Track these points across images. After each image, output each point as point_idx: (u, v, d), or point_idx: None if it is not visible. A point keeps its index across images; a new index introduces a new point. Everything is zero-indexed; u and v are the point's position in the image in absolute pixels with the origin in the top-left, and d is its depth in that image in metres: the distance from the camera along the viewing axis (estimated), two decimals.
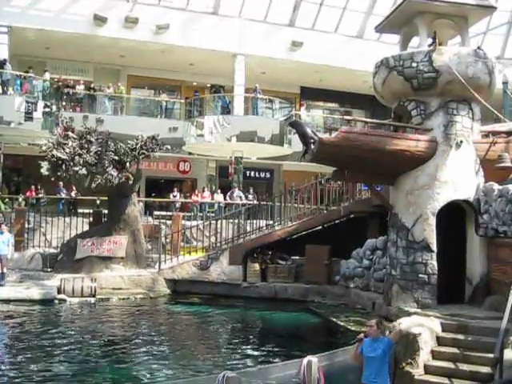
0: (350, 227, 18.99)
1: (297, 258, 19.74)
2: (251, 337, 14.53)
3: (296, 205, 21.03)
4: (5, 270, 17.94)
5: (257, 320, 16.59)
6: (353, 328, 13.85)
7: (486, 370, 9.65)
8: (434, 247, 13.47)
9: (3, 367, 10.91)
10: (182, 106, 31.20)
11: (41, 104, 24.85)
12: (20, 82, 25.33)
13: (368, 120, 21.35)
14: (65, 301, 17.15)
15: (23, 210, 22.40)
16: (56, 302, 17.08)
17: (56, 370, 10.70)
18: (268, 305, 17.65)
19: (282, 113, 30.38)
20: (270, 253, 19.85)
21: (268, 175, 33.92)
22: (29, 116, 24.07)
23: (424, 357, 9.94)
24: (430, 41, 14.52)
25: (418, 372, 9.67)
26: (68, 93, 28.45)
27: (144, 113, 30.47)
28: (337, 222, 19.92)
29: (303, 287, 18.69)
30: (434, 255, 13.45)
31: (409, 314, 12.25)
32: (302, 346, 12.68)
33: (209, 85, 31.66)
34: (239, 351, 12.66)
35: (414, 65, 13.79)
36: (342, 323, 14.62)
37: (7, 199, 23.80)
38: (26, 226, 21.75)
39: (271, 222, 20.92)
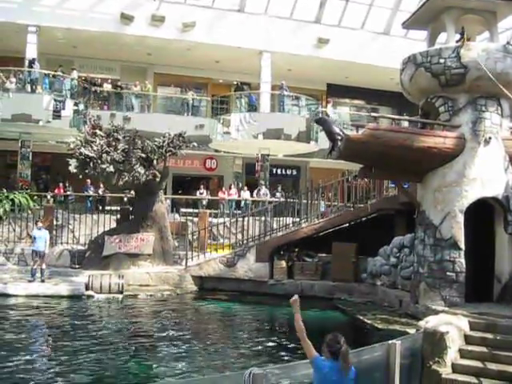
0: (377, 224, 18.91)
1: (323, 255, 19.70)
2: (277, 333, 14.52)
3: (323, 202, 20.94)
4: (43, 266, 18.20)
5: (283, 317, 16.57)
6: (380, 326, 13.80)
7: None
8: (462, 245, 13.33)
9: (32, 358, 11.10)
10: (208, 104, 31.28)
11: (69, 102, 25.11)
12: (48, 80, 25.60)
13: (395, 117, 21.36)
14: (93, 297, 17.34)
15: (51, 207, 22.68)
16: (84, 298, 17.28)
17: (82, 366, 10.81)
18: None
19: (309, 110, 30.30)
20: (296, 250, 19.84)
21: (295, 172, 33.84)
22: (57, 114, 24.35)
23: (452, 355, 9.84)
24: (457, 36, 14.40)
25: (445, 371, 9.58)
26: (95, 91, 28.70)
27: (171, 110, 30.58)
28: (364, 219, 19.84)
29: (330, 285, 18.67)
30: (462, 253, 13.32)
31: (436, 312, 12.17)
32: None
33: (235, 82, 31.67)
34: (265, 348, 12.69)
35: (442, 61, 13.65)
36: (368, 321, 14.55)
37: (36, 196, 24.05)
38: (55, 223, 22.03)
39: (298, 220, 20.89)
